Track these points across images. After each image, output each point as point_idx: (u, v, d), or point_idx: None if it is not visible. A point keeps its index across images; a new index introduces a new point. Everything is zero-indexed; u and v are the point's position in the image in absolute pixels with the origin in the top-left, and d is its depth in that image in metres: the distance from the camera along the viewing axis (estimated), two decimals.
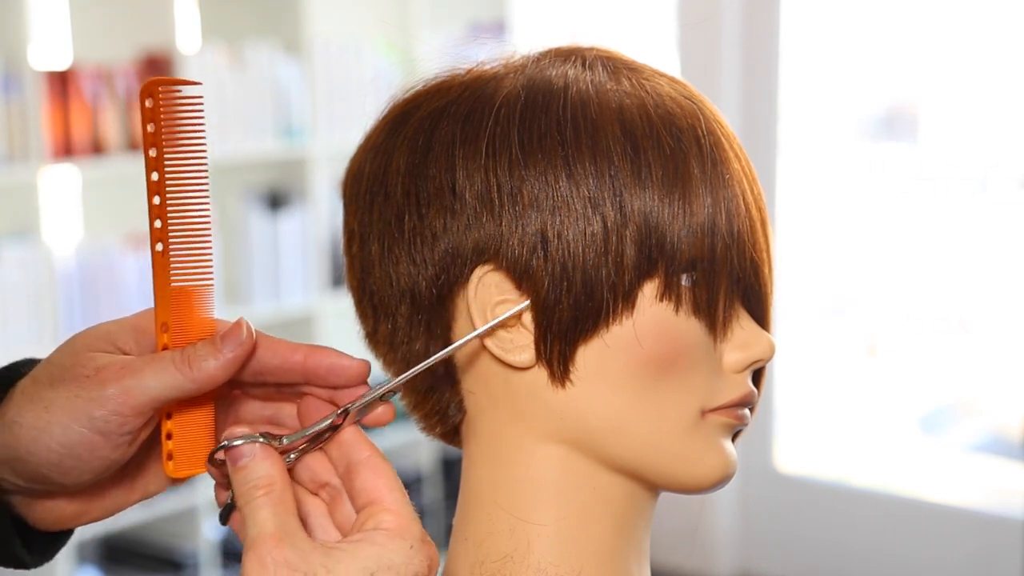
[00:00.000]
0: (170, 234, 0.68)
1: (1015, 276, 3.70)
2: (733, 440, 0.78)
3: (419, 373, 0.78)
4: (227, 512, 0.71)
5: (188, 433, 0.71)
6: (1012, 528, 3.19)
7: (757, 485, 3.62)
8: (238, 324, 0.69)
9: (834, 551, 3.54)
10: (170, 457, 0.71)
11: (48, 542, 0.75)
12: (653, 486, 0.78)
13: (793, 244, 3.68)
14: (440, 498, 3.60)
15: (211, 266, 0.69)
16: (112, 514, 0.75)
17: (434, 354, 0.78)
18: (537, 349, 0.74)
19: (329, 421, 0.70)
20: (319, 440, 0.70)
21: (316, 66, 3.38)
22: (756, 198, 0.77)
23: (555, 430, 0.75)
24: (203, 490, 3.12)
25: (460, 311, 0.75)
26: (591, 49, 0.79)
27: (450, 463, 3.61)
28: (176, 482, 0.73)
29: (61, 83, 2.91)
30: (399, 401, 0.82)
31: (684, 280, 0.73)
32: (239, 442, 0.68)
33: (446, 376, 0.78)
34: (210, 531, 3.17)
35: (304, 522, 0.68)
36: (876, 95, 3.96)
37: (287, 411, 0.74)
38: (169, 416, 0.71)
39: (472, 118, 0.75)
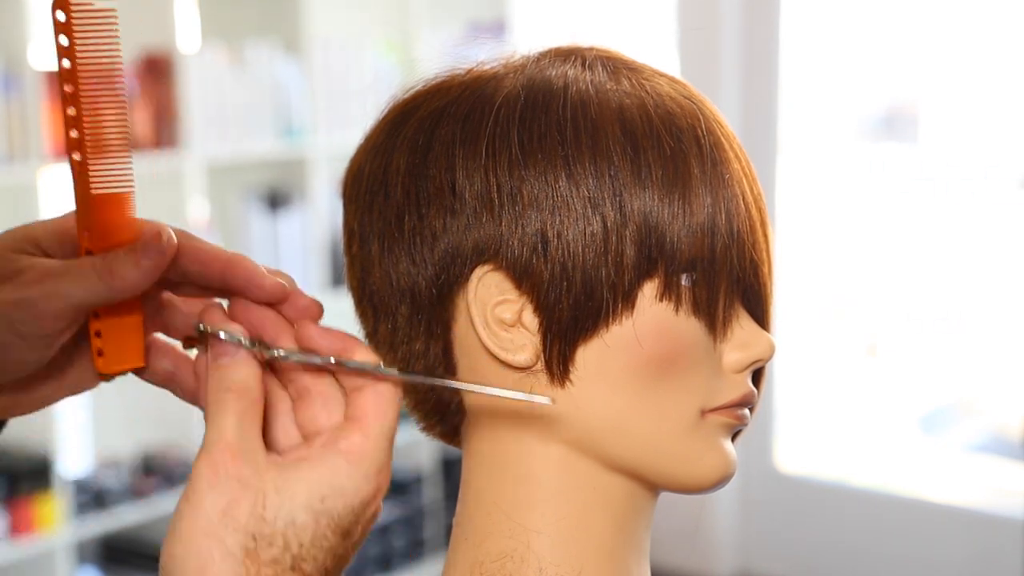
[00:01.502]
0: (87, 143, 0.68)
1: (1015, 276, 3.70)
2: (733, 440, 0.78)
3: (418, 371, 0.78)
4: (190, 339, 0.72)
5: (117, 330, 0.71)
6: (1012, 528, 3.19)
7: (757, 485, 3.62)
8: (158, 232, 0.68)
9: (834, 551, 3.54)
10: (100, 354, 0.71)
11: None
12: (653, 486, 0.78)
13: (793, 244, 3.68)
14: (440, 498, 3.60)
15: (131, 173, 0.69)
16: (42, 407, 0.75)
17: (434, 354, 0.78)
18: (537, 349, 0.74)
19: (321, 361, 0.69)
20: (308, 366, 0.70)
21: (316, 66, 3.38)
22: (756, 198, 0.77)
23: (555, 430, 0.75)
24: None
25: (460, 311, 0.75)
26: (591, 49, 0.79)
27: (450, 463, 3.61)
28: (107, 378, 0.73)
29: None
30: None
31: (684, 280, 0.73)
32: (223, 335, 0.68)
33: (446, 376, 0.78)
34: None
35: (267, 411, 0.68)
36: (876, 95, 3.96)
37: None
38: (97, 315, 0.71)
39: (472, 118, 0.75)
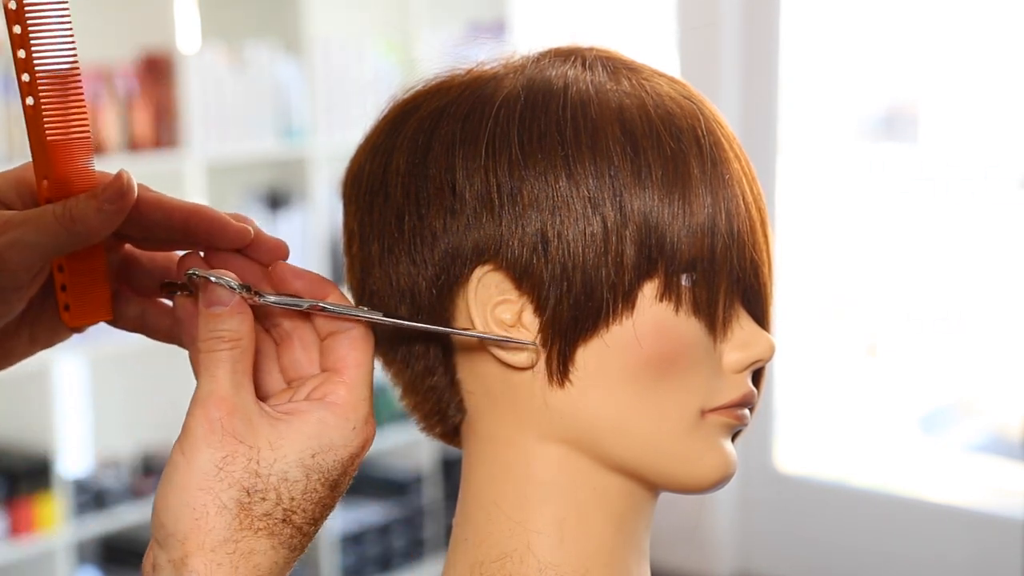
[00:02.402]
0: (39, 87, 0.67)
1: (1015, 276, 3.70)
2: (733, 440, 0.78)
3: (418, 371, 0.78)
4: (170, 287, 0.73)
5: (82, 283, 0.71)
6: (1012, 528, 3.19)
7: (757, 485, 3.62)
8: (119, 176, 0.67)
9: (834, 551, 3.54)
10: (67, 308, 0.71)
11: None
12: (653, 486, 0.78)
13: (793, 244, 3.68)
14: (440, 498, 3.60)
15: (87, 120, 0.69)
16: (16, 362, 0.75)
17: (433, 354, 0.78)
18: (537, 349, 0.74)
19: (308, 305, 0.71)
20: (291, 311, 0.71)
21: (316, 66, 3.38)
22: (756, 198, 0.77)
23: (555, 430, 0.75)
24: None
25: (460, 311, 0.75)
26: (591, 49, 0.79)
27: (450, 463, 3.61)
28: (77, 331, 0.74)
29: None
30: (398, 402, 0.82)
31: (684, 280, 0.73)
32: (213, 278, 0.68)
33: (445, 376, 0.78)
34: None
35: (255, 356, 0.70)
36: (876, 95, 3.96)
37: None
38: (61, 268, 0.71)
39: (472, 118, 0.75)
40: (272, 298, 0.70)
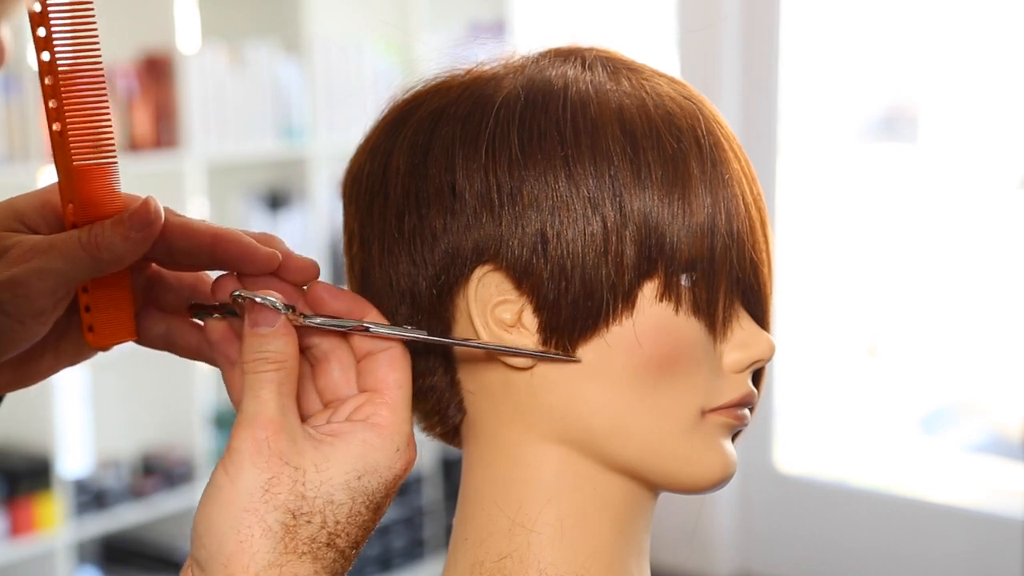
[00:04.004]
0: (66, 113, 0.67)
1: (1015, 276, 3.70)
2: (733, 440, 0.78)
3: (418, 370, 0.78)
4: (200, 308, 0.72)
5: (106, 304, 0.71)
6: (1012, 528, 3.19)
7: (757, 485, 3.62)
8: (145, 203, 0.67)
9: (834, 551, 3.54)
10: (91, 329, 0.71)
11: None
12: (653, 486, 0.78)
13: (793, 244, 3.68)
14: (440, 498, 3.60)
15: (113, 144, 0.69)
16: (42, 380, 0.75)
17: (434, 355, 0.78)
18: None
19: (353, 325, 0.71)
20: (328, 331, 0.71)
21: (316, 66, 3.38)
22: (756, 198, 0.77)
23: (555, 430, 0.75)
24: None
25: (460, 311, 0.75)
26: (591, 49, 0.79)
27: (450, 463, 3.61)
28: (103, 349, 0.74)
29: None
30: None
31: (684, 280, 0.74)
32: (259, 298, 0.68)
33: (446, 376, 0.78)
34: None
35: None
36: (876, 95, 3.96)
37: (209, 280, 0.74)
38: (86, 289, 0.71)
39: (472, 118, 0.75)
40: (319, 320, 0.70)
